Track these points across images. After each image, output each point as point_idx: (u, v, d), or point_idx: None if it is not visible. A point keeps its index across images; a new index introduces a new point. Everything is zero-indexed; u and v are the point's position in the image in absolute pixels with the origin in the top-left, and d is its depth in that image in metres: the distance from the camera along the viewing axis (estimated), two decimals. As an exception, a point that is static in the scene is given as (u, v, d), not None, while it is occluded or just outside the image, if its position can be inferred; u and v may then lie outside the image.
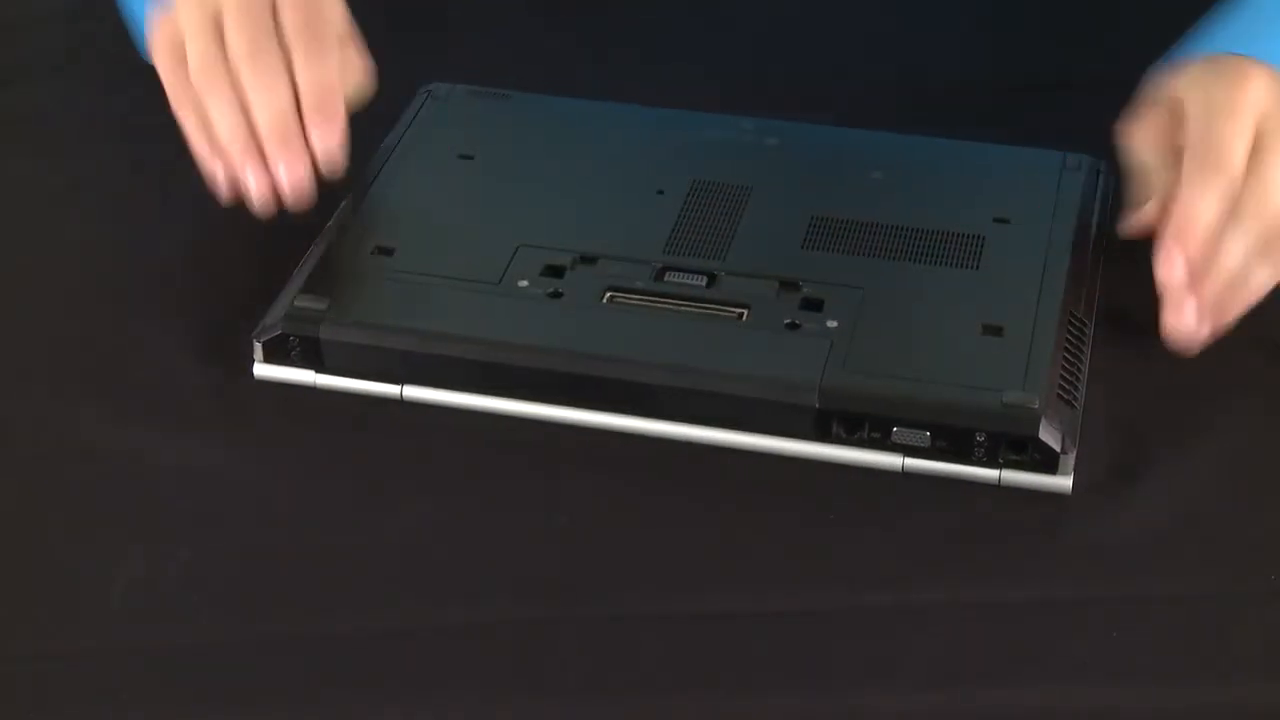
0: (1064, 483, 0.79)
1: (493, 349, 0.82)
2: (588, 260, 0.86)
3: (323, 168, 0.83)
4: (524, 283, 0.85)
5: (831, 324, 0.83)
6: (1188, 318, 0.81)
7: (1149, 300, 0.82)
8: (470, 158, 0.93)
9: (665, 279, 0.85)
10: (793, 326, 0.83)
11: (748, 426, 0.81)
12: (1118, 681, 0.72)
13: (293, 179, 0.83)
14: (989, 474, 0.79)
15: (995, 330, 0.81)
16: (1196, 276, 0.80)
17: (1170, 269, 0.80)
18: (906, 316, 0.83)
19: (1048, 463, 0.79)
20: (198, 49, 0.84)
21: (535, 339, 0.82)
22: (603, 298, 0.84)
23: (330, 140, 0.82)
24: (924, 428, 0.79)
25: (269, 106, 0.82)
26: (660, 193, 0.91)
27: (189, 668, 0.73)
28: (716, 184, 0.91)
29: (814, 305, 0.84)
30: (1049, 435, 0.78)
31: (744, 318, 0.83)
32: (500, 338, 0.82)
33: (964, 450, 0.79)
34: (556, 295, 0.84)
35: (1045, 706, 0.71)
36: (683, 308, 0.84)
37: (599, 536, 0.78)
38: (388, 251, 0.86)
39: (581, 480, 0.80)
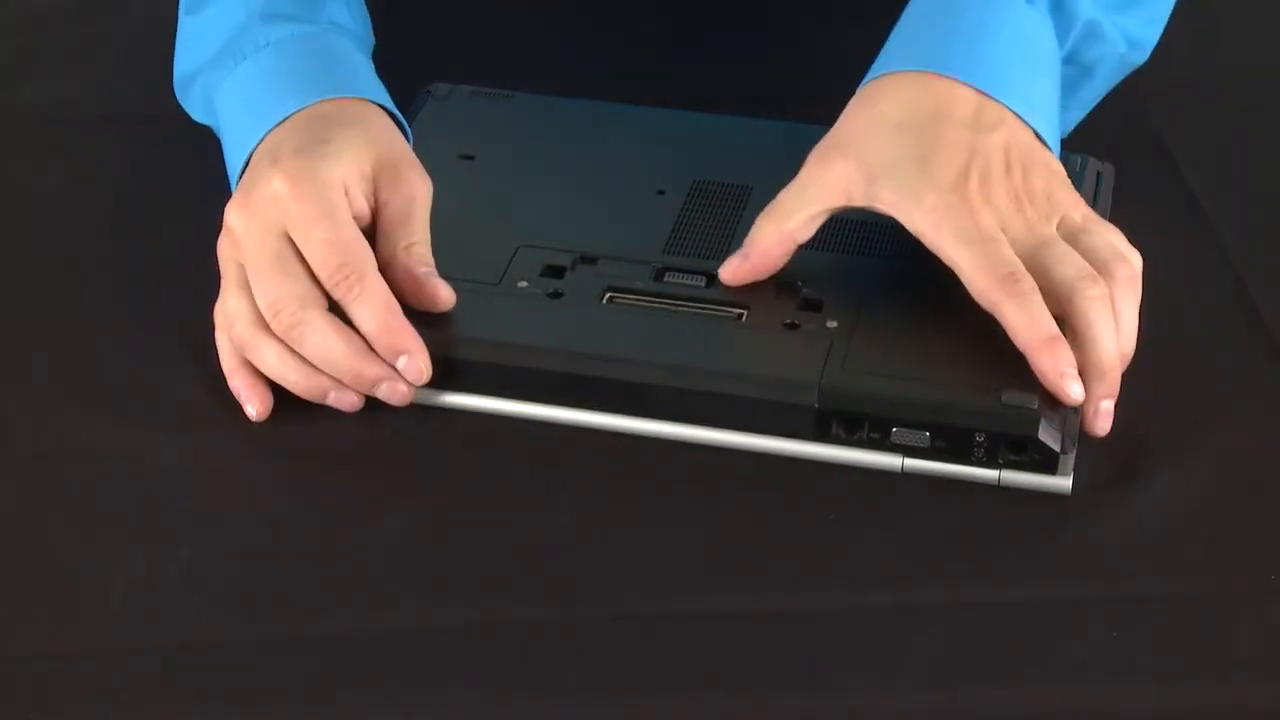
0: (1064, 483, 0.79)
1: (492, 349, 0.82)
2: (588, 260, 0.86)
3: (416, 384, 0.82)
4: (524, 283, 0.85)
5: (831, 324, 0.83)
6: (1106, 416, 0.80)
7: (1149, 300, 0.82)
8: (471, 158, 0.93)
9: (665, 279, 0.85)
10: (792, 327, 0.83)
11: (747, 427, 0.81)
12: (1118, 681, 0.72)
13: (347, 406, 0.82)
14: (989, 474, 0.79)
15: (993, 330, 0.81)
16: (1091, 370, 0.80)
17: (1075, 390, 0.79)
18: (905, 317, 0.83)
19: (1047, 463, 0.79)
20: (233, 310, 0.82)
21: (535, 339, 0.82)
22: (603, 298, 0.84)
23: (413, 369, 0.81)
24: (923, 428, 0.79)
25: (315, 363, 0.82)
26: (661, 193, 0.91)
27: (189, 668, 0.73)
28: (716, 184, 0.91)
29: (813, 306, 0.84)
30: (1048, 435, 0.78)
31: (743, 318, 0.83)
32: (500, 338, 0.82)
33: (963, 450, 0.79)
34: (556, 295, 0.84)
35: (1045, 706, 0.71)
36: (682, 308, 0.84)
37: (599, 536, 0.78)
38: None
39: (581, 480, 0.80)
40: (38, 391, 0.84)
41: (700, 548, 0.77)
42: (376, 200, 0.84)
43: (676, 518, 0.79)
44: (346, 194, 0.82)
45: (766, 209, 0.84)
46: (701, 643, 0.74)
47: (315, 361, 0.81)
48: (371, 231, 0.84)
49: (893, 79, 0.85)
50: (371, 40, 0.95)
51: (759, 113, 0.96)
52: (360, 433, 0.82)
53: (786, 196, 0.84)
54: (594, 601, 0.75)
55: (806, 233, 0.84)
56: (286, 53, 0.88)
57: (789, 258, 0.84)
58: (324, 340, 0.81)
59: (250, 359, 0.82)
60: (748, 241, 0.84)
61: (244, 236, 0.82)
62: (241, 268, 0.82)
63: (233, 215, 0.83)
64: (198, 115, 0.93)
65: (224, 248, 0.83)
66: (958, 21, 0.86)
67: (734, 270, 0.85)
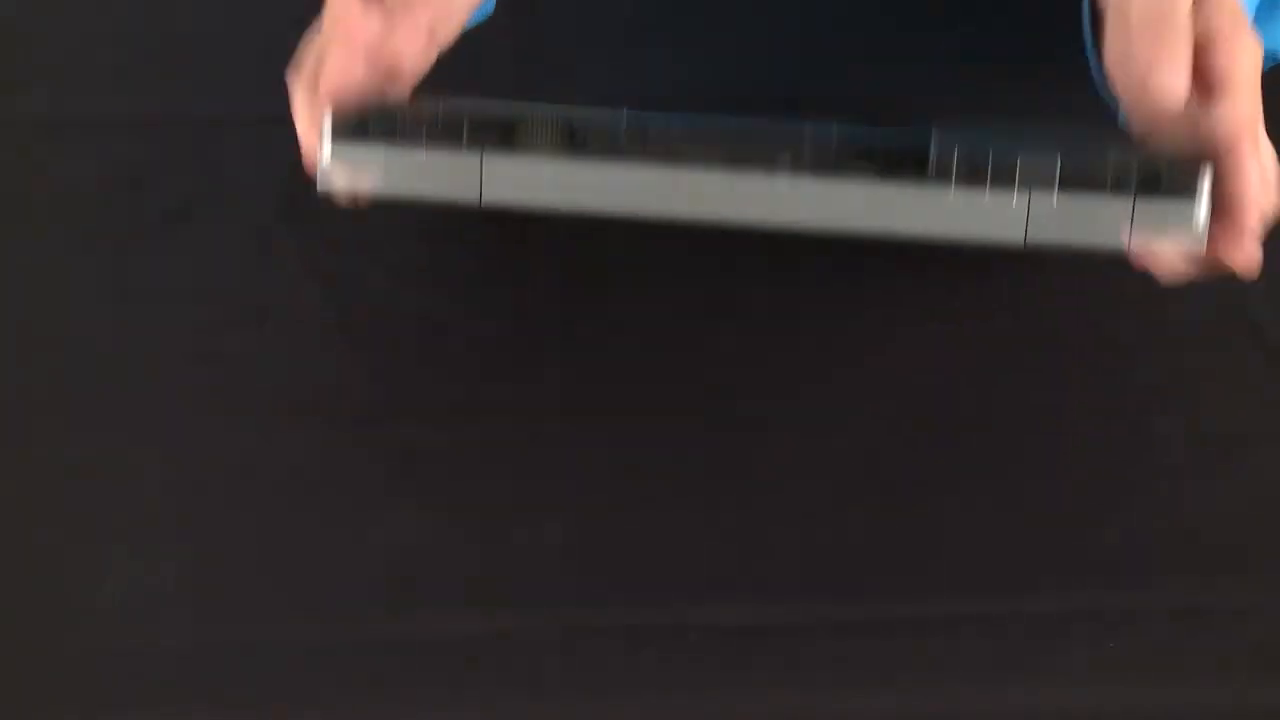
0: (1199, 212, 0.73)
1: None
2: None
3: None
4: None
5: None
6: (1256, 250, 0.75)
7: (1147, 301, 0.82)
8: None
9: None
10: None
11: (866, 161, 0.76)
12: (1118, 683, 0.72)
13: None
14: (1123, 206, 0.73)
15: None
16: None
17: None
18: None
19: (1185, 185, 0.72)
20: None
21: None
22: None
23: None
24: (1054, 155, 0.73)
25: None
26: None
27: (188, 668, 0.73)
28: None
29: None
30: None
31: None
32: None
33: (1097, 181, 0.73)
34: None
35: (1045, 708, 0.71)
36: None
37: (599, 536, 0.78)
38: None
39: (581, 481, 0.80)
40: (34, 394, 0.84)
41: (701, 548, 0.77)
42: None
43: (677, 517, 0.79)
44: None
45: None
46: (701, 645, 0.74)
47: None
48: None
49: None
50: None
51: (757, 114, 0.96)
52: (360, 433, 0.82)
53: None
54: (594, 602, 0.75)
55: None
56: None
57: None
58: None
59: None
60: None
61: None
62: None
63: None
64: None
65: None
66: None
67: None
